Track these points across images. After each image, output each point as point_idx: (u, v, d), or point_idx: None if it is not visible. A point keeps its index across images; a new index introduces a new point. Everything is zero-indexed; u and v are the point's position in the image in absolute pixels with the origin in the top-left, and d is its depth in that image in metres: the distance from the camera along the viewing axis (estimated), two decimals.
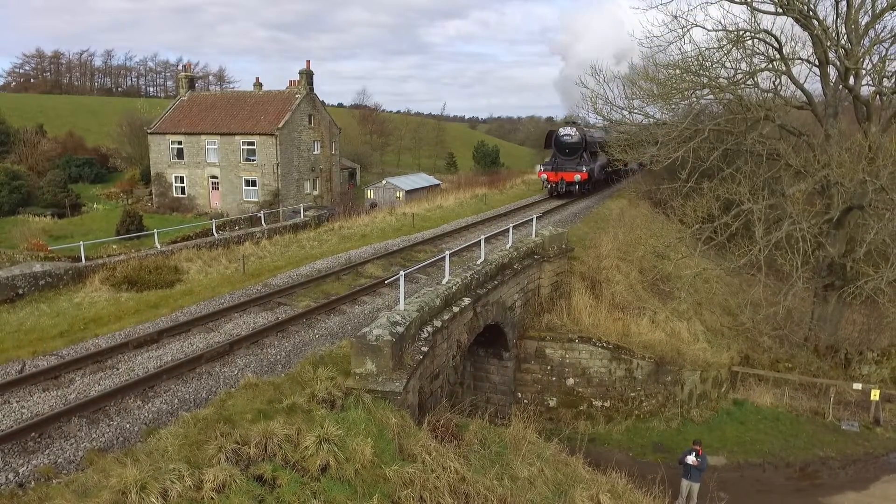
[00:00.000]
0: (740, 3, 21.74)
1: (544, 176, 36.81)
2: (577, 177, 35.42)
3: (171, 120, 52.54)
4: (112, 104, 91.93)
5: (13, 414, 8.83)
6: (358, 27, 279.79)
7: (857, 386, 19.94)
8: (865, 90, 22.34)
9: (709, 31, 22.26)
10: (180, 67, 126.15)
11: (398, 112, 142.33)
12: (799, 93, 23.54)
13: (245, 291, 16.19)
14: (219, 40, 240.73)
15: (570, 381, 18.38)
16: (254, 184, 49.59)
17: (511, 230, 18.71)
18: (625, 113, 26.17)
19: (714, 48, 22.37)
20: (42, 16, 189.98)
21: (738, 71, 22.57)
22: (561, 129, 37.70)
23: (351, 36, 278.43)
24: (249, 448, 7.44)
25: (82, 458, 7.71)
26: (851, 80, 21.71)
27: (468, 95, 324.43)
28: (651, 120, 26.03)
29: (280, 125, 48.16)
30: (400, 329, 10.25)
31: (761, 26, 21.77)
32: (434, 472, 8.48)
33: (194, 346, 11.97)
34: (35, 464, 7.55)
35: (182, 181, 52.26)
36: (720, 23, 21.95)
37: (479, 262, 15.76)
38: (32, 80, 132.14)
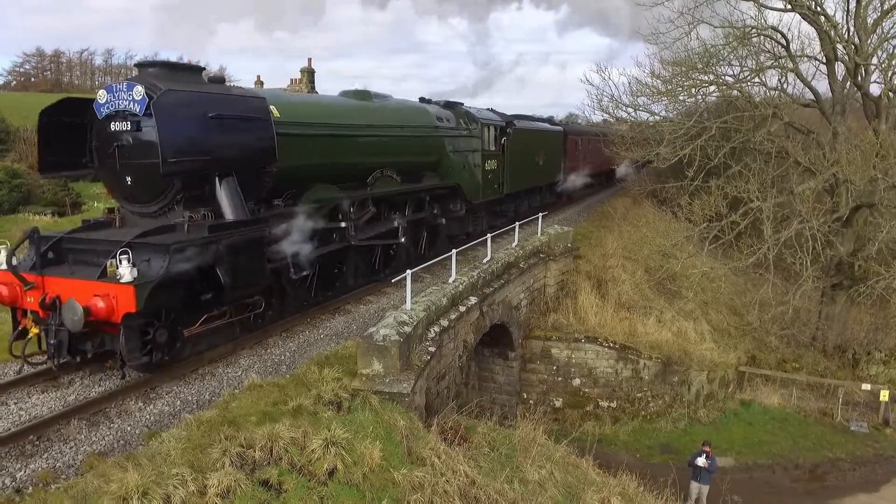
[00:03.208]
0: (748, 0, 21.53)
1: None
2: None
3: None
4: None
5: (11, 416, 8.59)
6: (355, 26, 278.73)
7: (866, 387, 19.70)
8: (875, 88, 22.16)
9: (715, 27, 22.06)
10: None
11: None
12: (806, 90, 23.35)
13: None
14: (215, 39, 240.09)
15: (577, 382, 18.18)
16: None
17: (517, 228, 18.50)
18: (630, 110, 25.94)
19: (720, 45, 22.19)
20: (40, 15, 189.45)
21: (745, 68, 22.38)
22: (99, 97, 9.51)
23: (348, 35, 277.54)
24: (254, 451, 7.22)
25: (82, 463, 7.47)
26: (860, 78, 21.50)
27: (467, 95, 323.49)
28: (656, 117, 25.82)
29: None
30: (407, 329, 10.03)
31: (768, 23, 21.56)
32: (444, 476, 8.26)
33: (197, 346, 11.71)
34: (33, 468, 7.32)
35: None
36: (726, 19, 21.74)
37: (485, 261, 15.55)
38: (33, 79, 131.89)
